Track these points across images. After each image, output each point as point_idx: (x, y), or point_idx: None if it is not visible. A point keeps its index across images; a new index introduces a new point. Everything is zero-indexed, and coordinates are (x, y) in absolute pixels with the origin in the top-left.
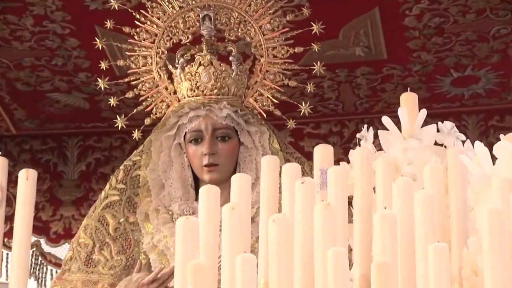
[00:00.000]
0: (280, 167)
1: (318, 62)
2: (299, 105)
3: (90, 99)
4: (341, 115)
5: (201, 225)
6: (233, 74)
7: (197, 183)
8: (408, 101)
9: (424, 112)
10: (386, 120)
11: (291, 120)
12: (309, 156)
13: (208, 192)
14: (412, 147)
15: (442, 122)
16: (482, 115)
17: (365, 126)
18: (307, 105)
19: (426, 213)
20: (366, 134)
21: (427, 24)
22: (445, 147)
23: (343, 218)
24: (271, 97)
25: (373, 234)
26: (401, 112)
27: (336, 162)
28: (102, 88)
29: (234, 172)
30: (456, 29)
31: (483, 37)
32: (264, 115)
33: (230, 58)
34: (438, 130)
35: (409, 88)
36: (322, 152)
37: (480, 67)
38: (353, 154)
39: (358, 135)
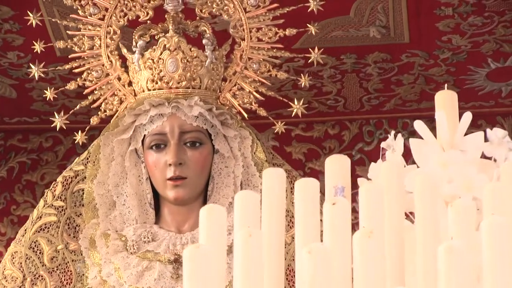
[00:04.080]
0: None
1: (316, 49)
2: (290, 103)
3: (19, 87)
4: (341, 114)
5: None
6: (207, 61)
7: (157, 201)
8: (446, 101)
9: (469, 115)
10: (419, 125)
11: (279, 123)
12: (298, 165)
13: (211, 213)
14: (454, 161)
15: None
16: None
17: (392, 132)
18: (301, 103)
19: (498, 247)
20: (393, 143)
21: None
22: (495, 161)
23: (382, 250)
24: (254, 92)
25: (420, 275)
26: (439, 115)
27: None
28: (36, 77)
29: (205, 188)
30: (501, 6)
31: None
32: (245, 114)
33: (204, 41)
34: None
35: (436, 83)
36: (337, 164)
37: None
38: (374, 168)
39: (383, 144)
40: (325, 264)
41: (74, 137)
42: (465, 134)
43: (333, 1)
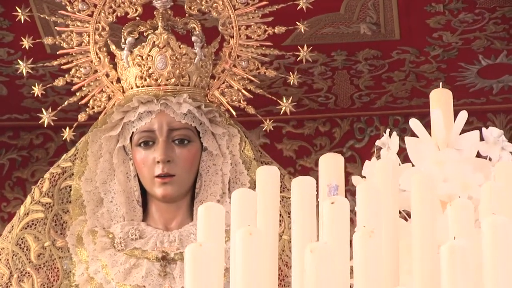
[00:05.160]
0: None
1: (305, 47)
2: (279, 101)
3: (9, 84)
4: (332, 111)
5: None
6: (196, 59)
7: (145, 198)
8: (441, 99)
9: (464, 114)
10: (414, 123)
11: (267, 121)
12: (289, 162)
13: (209, 212)
14: (450, 159)
15: None
16: None
17: (387, 130)
18: (289, 101)
19: (499, 245)
20: (388, 141)
21: None
22: (490, 159)
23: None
24: (242, 90)
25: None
26: (435, 113)
27: None
28: (24, 73)
29: (193, 186)
30: (492, 3)
31: None
32: (234, 112)
33: (193, 39)
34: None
35: (427, 80)
36: (331, 163)
37: None
38: (369, 166)
39: (377, 142)
40: (327, 263)
41: (63, 134)
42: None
43: None
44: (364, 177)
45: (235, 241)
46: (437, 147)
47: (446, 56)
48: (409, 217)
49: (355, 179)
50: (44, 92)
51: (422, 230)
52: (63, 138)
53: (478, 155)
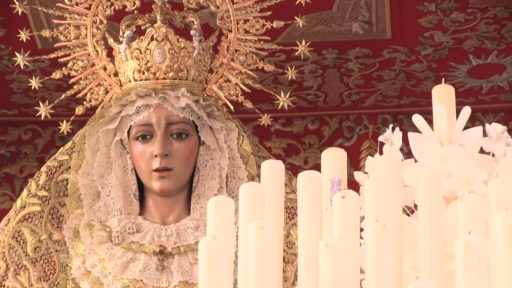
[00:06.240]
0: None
1: (303, 41)
2: (277, 95)
3: None
4: (321, 109)
5: None
6: (195, 53)
7: (142, 192)
8: (444, 95)
9: (468, 110)
10: (417, 119)
11: (265, 115)
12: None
13: (219, 205)
14: (453, 155)
15: None
16: (502, 114)
17: (390, 125)
18: (287, 96)
19: None
20: (391, 137)
21: None
22: (493, 155)
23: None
24: (240, 84)
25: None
26: (438, 109)
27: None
28: (21, 66)
29: (191, 180)
30: (484, 3)
31: None
32: (231, 106)
33: (192, 32)
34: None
35: (417, 79)
36: (333, 158)
37: (508, 54)
38: (371, 162)
39: (380, 138)
40: (341, 257)
41: (54, 129)
42: None
43: None
44: (367, 173)
45: (246, 234)
46: (440, 143)
47: (437, 55)
48: (411, 213)
49: (358, 175)
50: (41, 85)
51: (429, 226)
52: (61, 131)
53: (481, 151)
